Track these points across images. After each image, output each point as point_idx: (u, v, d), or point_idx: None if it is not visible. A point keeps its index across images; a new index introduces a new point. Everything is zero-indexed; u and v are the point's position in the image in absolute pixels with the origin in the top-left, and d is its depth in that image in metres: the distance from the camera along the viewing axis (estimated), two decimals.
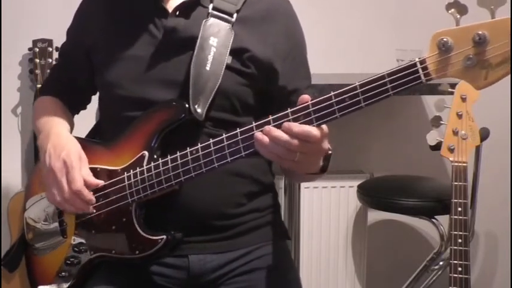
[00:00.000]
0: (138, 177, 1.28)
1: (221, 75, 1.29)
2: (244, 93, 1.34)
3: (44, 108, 1.48)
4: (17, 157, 2.37)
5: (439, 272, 2.31)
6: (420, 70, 1.04)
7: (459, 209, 1.54)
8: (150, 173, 1.27)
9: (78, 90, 1.51)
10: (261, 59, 1.33)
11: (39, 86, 2.20)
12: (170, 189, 1.26)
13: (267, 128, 1.12)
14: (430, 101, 2.53)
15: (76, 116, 1.56)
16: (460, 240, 1.53)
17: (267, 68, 1.34)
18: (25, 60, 2.33)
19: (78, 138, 1.39)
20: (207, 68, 1.29)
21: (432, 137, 1.57)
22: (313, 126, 1.11)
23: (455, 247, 1.53)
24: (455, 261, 1.52)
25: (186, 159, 1.23)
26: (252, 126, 1.16)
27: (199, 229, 1.34)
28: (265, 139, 1.11)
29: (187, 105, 1.27)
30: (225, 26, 1.32)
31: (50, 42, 2.24)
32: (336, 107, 1.10)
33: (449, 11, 1.07)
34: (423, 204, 2.16)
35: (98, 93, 1.49)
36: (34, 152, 2.20)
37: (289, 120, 1.12)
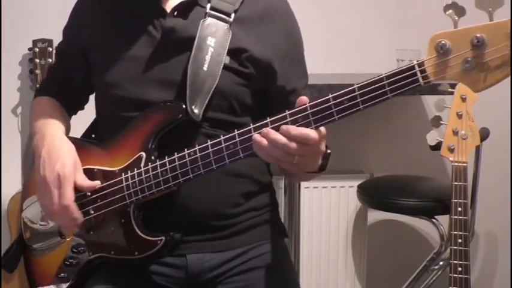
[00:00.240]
0: (136, 179, 1.28)
1: (218, 76, 1.29)
2: (242, 93, 1.34)
3: (41, 109, 1.48)
4: (17, 157, 2.37)
5: (439, 272, 2.31)
6: (418, 73, 1.05)
7: (459, 209, 1.54)
8: (148, 175, 1.26)
9: (75, 90, 1.51)
10: (259, 59, 1.33)
11: (39, 86, 2.20)
12: (168, 190, 1.26)
13: (265, 130, 1.12)
14: (430, 101, 2.53)
15: (74, 116, 1.55)
16: (460, 240, 1.52)
17: (265, 68, 1.34)
18: (25, 60, 2.33)
19: (74, 139, 1.39)
20: (205, 68, 1.29)
21: (432, 137, 1.57)
22: (311, 128, 1.11)
23: (455, 247, 1.53)
24: (455, 261, 1.52)
25: (184, 160, 1.23)
26: (250, 128, 1.16)
27: (197, 229, 1.34)
28: (264, 141, 1.11)
29: (184, 106, 1.27)
30: (223, 25, 1.32)
31: (50, 42, 2.24)
32: (334, 109, 1.10)
33: (447, 13, 1.07)
34: (423, 204, 2.16)
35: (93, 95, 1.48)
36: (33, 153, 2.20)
37: (287, 123, 1.12)
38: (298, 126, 1.11)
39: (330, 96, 1.10)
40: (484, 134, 1.70)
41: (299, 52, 1.42)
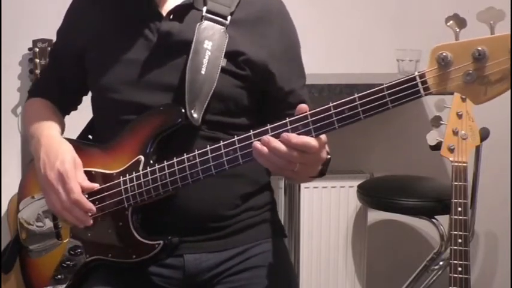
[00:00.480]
0: (135, 182, 1.28)
1: (216, 79, 1.29)
2: (240, 96, 1.34)
3: (34, 111, 1.47)
4: (17, 157, 2.37)
5: (439, 272, 2.31)
6: (419, 84, 1.05)
7: (459, 209, 1.54)
8: (147, 179, 1.26)
9: (68, 92, 1.51)
10: (255, 61, 1.33)
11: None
12: (166, 194, 1.26)
13: (265, 138, 1.12)
14: (430, 101, 2.53)
15: (69, 116, 1.55)
16: (460, 240, 1.52)
17: (262, 70, 1.34)
18: (25, 60, 2.33)
19: (71, 140, 1.39)
20: (202, 72, 1.29)
21: (432, 137, 1.57)
22: (312, 136, 1.11)
23: (455, 247, 1.53)
24: (455, 261, 1.52)
25: (183, 165, 1.23)
26: (250, 135, 1.16)
27: (194, 229, 1.34)
28: (264, 150, 1.11)
29: (183, 111, 1.27)
30: (219, 28, 1.32)
31: (50, 42, 2.23)
32: (334, 118, 1.10)
33: (448, 24, 1.07)
34: (423, 204, 2.16)
35: (90, 95, 1.48)
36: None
37: (287, 130, 1.12)
38: (298, 134, 1.11)
39: (331, 104, 1.10)
40: (484, 134, 1.70)
41: (295, 52, 1.42)
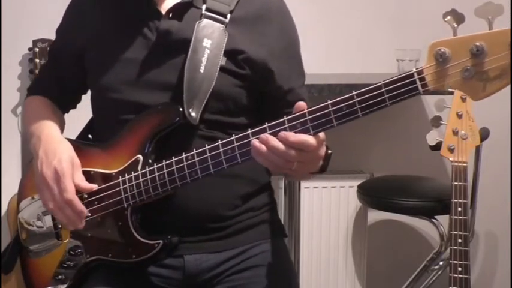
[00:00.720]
0: (133, 182, 1.28)
1: (215, 78, 1.29)
2: (239, 95, 1.34)
3: (34, 109, 1.47)
4: (17, 157, 2.37)
5: (439, 272, 2.31)
6: (417, 81, 1.04)
7: (459, 209, 1.54)
8: (145, 178, 1.26)
9: (67, 90, 1.51)
10: (255, 59, 1.32)
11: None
12: (165, 194, 1.26)
13: (263, 136, 1.12)
14: (430, 101, 2.53)
15: (69, 116, 1.55)
16: (460, 240, 1.52)
17: (261, 68, 1.34)
18: (25, 60, 2.33)
19: (71, 140, 1.38)
20: (201, 71, 1.28)
21: (432, 137, 1.57)
22: (310, 134, 1.11)
23: (455, 247, 1.52)
24: (455, 261, 1.52)
25: (182, 165, 1.22)
26: (248, 134, 1.15)
27: (194, 230, 1.33)
28: (263, 148, 1.11)
29: (181, 109, 1.27)
30: (219, 27, 1.32)
31: (50, 42, 2.23)
32: (332, 116, 1.10)
33: (446, 19, 1.07)
34: (423, 204, 2.16)
35: (89, 94, 1.48)
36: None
37: (285, 129, 1.12)
38: (296, 132, 1.11)
39: (329, 102, 1.10)
40: (484, 134, 1.70)
41: (295, 51, 1.42)
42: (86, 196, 1.30)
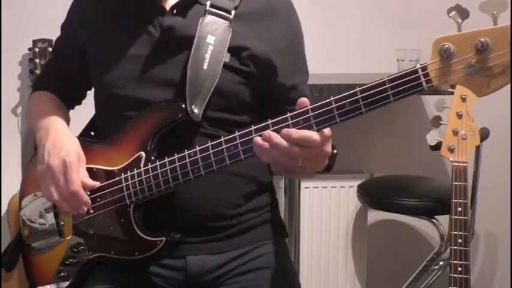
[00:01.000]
0: (136, 179, 1.27)
1: (218, 75, 1.28)
2: (242, 92, 1.33)
3: (40, 103, 1.47)
4: (17, 157, 2.37)
5: (439, 272, 2.31)
6: (422, 77, 1.03)
7: (459, 209, 1.54)
8: (148, 175, 1.26)
9: (71, 86, 1.51)
10: (259, 56, 1.32)
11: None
12: (168, 191, 1.26)
13: (266, 133, 1.10)
14: (430, 101, 2.53)
15: (71, 113, 1.55)
16: (460, 240, 1.52)
17: (266, 65, 1.33)
18: (25, 60, 2.33)
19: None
20: (204, 67, 1.28)
21: (432, 137, 1.57)
22: (313, 130, 1.10)
23: (455, 247, 1.52)
24: (455, 261, 1.52)
25: (184, 161, 1.22)
26: (251, 130, 1.15)
27: (197, 230, 1.33)
28: (266, 145, 1.10)
29: (183, 106, 1.26)
30: (223, 23, 1.31)
31: (50, 42, 2.23)
32: (336, 112, 1.08)
33: (450, 15, 1.06)
34: (423, 204, 2.16)
35: (93, 90, 1.48)
36: (34, 153, 2.20)
37: (288, 125, 1.11)
38: (299, 129, 1.10)
39: (332, 98, 1.09)
40: (484, 134, 1.70)
41: (300, 47, 1.41)
42: (89, 193, 1.30)
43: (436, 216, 2.18)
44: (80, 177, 1.29)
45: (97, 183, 1.31)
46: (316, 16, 2.50)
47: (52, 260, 1.40)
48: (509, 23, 0.99)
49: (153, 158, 1.28)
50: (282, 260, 1.41)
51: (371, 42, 2.57)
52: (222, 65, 1.29)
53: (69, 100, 1.53)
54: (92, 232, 1.34)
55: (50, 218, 1.40)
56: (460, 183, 1.55)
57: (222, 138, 1.18)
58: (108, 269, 1.35)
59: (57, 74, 1.52)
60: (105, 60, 1.37)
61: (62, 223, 1.39)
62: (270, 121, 1.13)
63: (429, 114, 2.57)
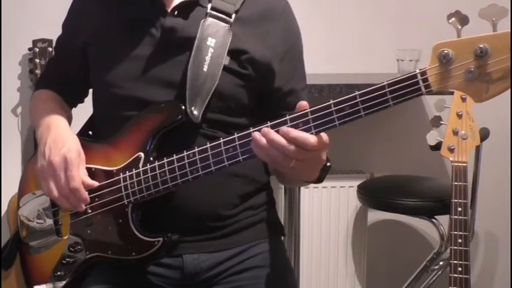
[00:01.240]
0: (134, 179, 1.28)
1: (218, 77, 1.29)
2: (241, 95, 1.34)
3: (43, 101, 1.48)
4: (17, 157, 2.37)
5: (439, 272, 2.31)
6: (421, 82, 1.04)
7: (459, 209, 1.54)
8: (146, 175, 1.26)
9: (73, 84, 1.51)
10: (258, 60, 1.33)
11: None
12: (166, 191, 1.26)
13: (265, 129, 1.12)
14: (430, 101, 2.53)
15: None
16: (460, 240, 1.52)
17: (264, 69, 1.34)
18: (25, 60, 2.33)
19: None
20: (205, 69, 1.28)
21: (432, 137, 1.57)
22: (312, 134, 1.11)
23: (455, 247, 1.52)
24: (455, 261, 1.52)
25: (183, 162, 1.22)
26: (250, 132, 1.15)
27: (193, 229, 1.33)
28: (263, 141, 1.11)
29: (183, 107, 1.27)
30: (224, 26, 1.32)
31: (50, 42, 2.23)
32: (335, 116, 1.09)
33: (450, 21, 1.07)
34: (423, 204, 2.16)
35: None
36: (34, 152, 2.20)
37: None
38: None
39: (331, 102, 1.10)
40: (484, 134, 1.70)
41: (298, 53, 1.42)
42: (87, 193, 1.30)
43: (436, 216, 2.18)
44: (80, 175, 1.29)
45: (95, 183, 1.31)
46: (316, 16, 2.50)
47: (49, 260, 1.40)
48: (509, 30, 1.00)
49: (152, 158, 1.28)
50: (279, 258, 1.42)
51: (371, 42, 2.57)
52: (221, 68, 1.29)
53: (71, 98, 1.53)
54: (89, 232, 1.34)
55: (48, 218, 1.41)
56: (460, 183, 1.55)
57: (221, 140, 1.19)
58: (106, 269, 1.36)
59: (59, 72, 1.52)
60: (105, 59, 1.38)
61: (60, 222, 1.39)
62: (269, 123, 1.14)
63: (429, 114, 2.57)
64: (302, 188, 2.36)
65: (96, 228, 1.33)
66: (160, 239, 1.27)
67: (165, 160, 1.25)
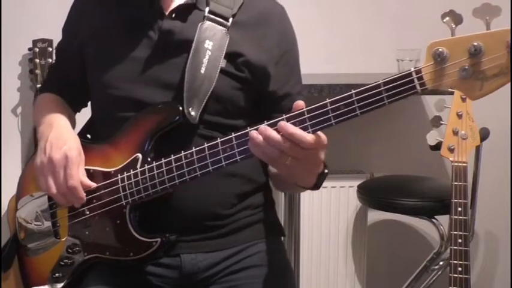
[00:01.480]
0: (132, 180, 1.28)
1: (215, 79, 1.30)
2: (238, 97, 1.35)
3: (45, 103, 1.49)
4: (17, 157, 2.37)
5: (439, 272, 2.31)
6: (416, 80, 1.05)
7: (459, 209, 1.54)
8: (144, 176, 1.27)
9: (75, 88, 1.51)
10: (254, 63, 1.34)
11: (39, 86, 2.20)
12: (164, 192, 1.26)
13: (262, 127, 1.12)
14: (430, 101, 2.53)
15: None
16: (460, 240, 1.52)
17: (260, 72, 1.35)
18: (25, 60, 2.33)
19: None
20: (202, 72, 1.29)
21: (432, 137, 1.57)
22: (309, 132, 1.11)
23: (455, 247, 1.53)
24: (455, 261, 1.52)
25: (181, 162, 1.23)
26: (247, 132, 1.15)
27: (191, 229, 1.34)
28: (260, 138, 1.11)
29: (181, 108, 1.28)
30: (221, 29, 1.33)
31: (50, 42, 2.24)
32: (331, 114, 1.10)
33: (444, 20, 1.08)
34: (423, 204, 2.16)
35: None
36: (34, 152, 2.20)
37: None
38: None
39: (327, 101, 1.10)
40: (484, 134, 1.70)
41: (293, 58, 1.43)
42: (85, 194, 1.31)
43: (436, 216, 2.18)
44: (79, 175, 1.29)
45: (94, 184, 1.32)
46: (316, 16, 2.50)
47: (47, 261, 1.40)
48: (503, 28, 1.01)
49: (149, 159, 1.29)
50: (277, 258, 1.42)
51: (371, 42, 2.57)
52: (218, 70, 1.30)
53: (72, 101, 1.53)
54: (87, 233, 1.34)
55: (46, 219, 1.41)
56: (460, 183, 1.55)
57: (218, 140, 1.19)
58: (104, 270, 1.36)
59: (59, 75, 1.53)
60: (102, 60, 1.38)
61: (58, 224, 1.39)
62: (266, 122, 1.14)
63: (429, 114, 2.57)
64: None
65: (94, 229, 1.33)
66: (158, 239, 1.27)
67: (163, 160, 1.25)
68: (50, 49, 2.24)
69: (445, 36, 1.07)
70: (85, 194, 1.30)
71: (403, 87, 1.05)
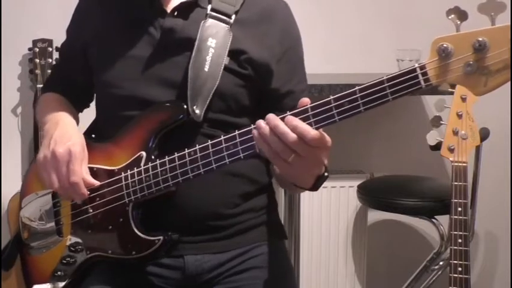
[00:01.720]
0: (136, 178, 1.28)
1: (219, 77, 1.29)
2: (241, 95, 1.34)
3: (49, 102, 1.49)
4: (17, 157, 2.37)
5: (439, 272, 2.31)
6: (420, 75, 1.04)
7: (459, 209, 1.54)
8: (148, 174, 1.27)
9: (79, 88, 1.51)
10: (257, 60, 1.33)
11: (39, 86, 2.21)
12: (167, 190, 1.26)
13: (270, 115, 1.10)
14: (430, 101, 2.53)
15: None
16: (460, 240, 1.52)
17: (263, 70, 1.34)
18: (25, 60, 2.34)
19: None
20: (205, 70, 1.29)
21: (432, 137, 1.57)
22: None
23: (455, 247, 1.53)
24: (455, 261, 1.52)
25: (184, 160, 1.23)
26: (251, 129, 1.15)
27: (195, 229, 1.34)
28: (266, 128, 1.09)
29: (185, 106, 1.28)
30: (223, 27, 1.32)
31: (50, 42, 2.24)
32: (335, 111, 1.09)
33: (450, 17, 1.07)
34: (423, 204, 2.16)
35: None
36: (34, 152, 2.20)
37: None
38: None
39: (331, 97, 1.10)
40: (484, 134, 1.70)
41: (296, 55, 1.42)
42: (88, 192, 1.31)
43: (436, 216, 2.18)
44: (83, 175, 1.30)
45: (97, 182, 1.32)
46: (316, 16, 2.50)
47: (49, 260, 1.40)
48: (507, 23, 1.00)
49: (153, 157, 1.28)
50: (279, 260, 1.41)
51: (371, 42, 2.57)
52: (222, 68, 1.30)
53: (76, 102, 1.54)
54: (90, 231, 1.34)
55: (50, 218, 1.41)
56: (460, 183, 1.55)
57: (222, 137, 1.19)
58: (106, 270, 1.36)
59: (61, 75, 1.54)
60: (105, 59, 1.38)
61: (61, 223, 1.39)
62: None
63: (429, 114, 2.57)
64: None
65: (97, 227, 1.33)
66: (161, 237, 1.27)
67: (167, 158, 1.25)
68: (50, 49, 2.24)
69: None
70: (87, 191, 1.30)
71: (407, 83, 1.05)
